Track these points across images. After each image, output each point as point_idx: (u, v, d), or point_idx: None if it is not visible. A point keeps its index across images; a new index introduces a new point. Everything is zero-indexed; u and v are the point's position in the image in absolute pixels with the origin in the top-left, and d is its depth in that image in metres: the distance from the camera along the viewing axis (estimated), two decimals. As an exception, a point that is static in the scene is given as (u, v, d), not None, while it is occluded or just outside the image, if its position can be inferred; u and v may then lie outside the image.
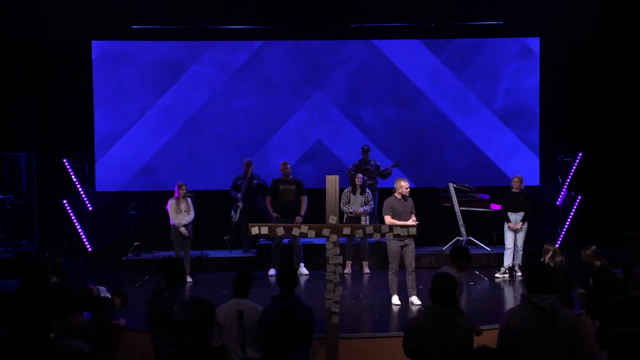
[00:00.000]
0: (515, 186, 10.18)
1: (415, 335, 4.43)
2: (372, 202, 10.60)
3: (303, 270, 10.46)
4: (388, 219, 8.55)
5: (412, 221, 8.49)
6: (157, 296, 5.60)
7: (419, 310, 8.25)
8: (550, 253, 7.25)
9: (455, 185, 11.53)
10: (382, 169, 11.36)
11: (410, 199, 8.82)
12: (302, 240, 10.37)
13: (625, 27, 12.29)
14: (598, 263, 6.86)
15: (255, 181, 11.13)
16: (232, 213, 11.23)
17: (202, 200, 11.22)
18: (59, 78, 12.43)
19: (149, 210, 11.83)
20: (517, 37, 12.45)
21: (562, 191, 11.93)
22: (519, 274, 9.99)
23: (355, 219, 10.42)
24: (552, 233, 11.89)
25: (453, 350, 4.32)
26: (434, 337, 4.35)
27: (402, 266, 8.56)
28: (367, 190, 10.69)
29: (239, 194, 11.17)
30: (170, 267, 5.81)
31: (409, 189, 8.76)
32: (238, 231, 11.47)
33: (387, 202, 8.74)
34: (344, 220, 10.41)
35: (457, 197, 11.46)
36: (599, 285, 6.71)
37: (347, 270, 10.61)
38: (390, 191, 9.04)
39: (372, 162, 11.36)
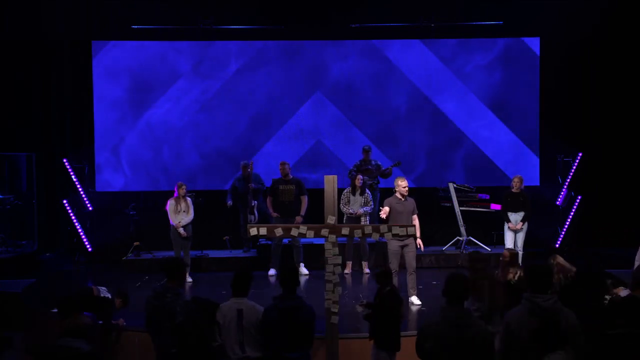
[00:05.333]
0: (515, 186, 10.18)
1: (430, 336, 4.39)
2: (371, 203, 10.59)
3: (303, 270, 10.46)
4: (383, 212, 8.54)
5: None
6: (160, 297, 5.59)
7: (421, 310, 8.27)
8: (517, 271, 6.58)
9: (455, 185, 11.53)
10: (382, 168, 11.35)
11: (411, 199, 8.81)
12: (302, 240, 10.36)
13: (625, 27, 12.30)
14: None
15: (253, 185, 11.11)
16: (251, 217, 11.15)
17: (202, 200, 11.23)
18: (59, 78, 12.45)
19: (149, 210, 11.83)
20: (517, 37, 12.46)
21: (562, 191, 11.93)
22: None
23: (355, 219, 10.41)
24: (552, 233, 11.90)
25: (468, 351, 4.29)
26: (448, 337, 4.32)
27: (402, 266, 8.55)
28: (367, 190, 10.68)
29: (230, 201, 11.16)
30: (174, 268, 5.80)
31: (407, 188, 8.75)
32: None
33: (387, 201, 8.75)
34: (344, 221, 10.40)
35: (457, 197, 11.46)
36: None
37: (347, 270, 10.61)
38: (392, 191, 9.03)
39: (373, 162, 11.36)
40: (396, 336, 5.98)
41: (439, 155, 12.49)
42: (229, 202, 11.22)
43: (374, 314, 6.00)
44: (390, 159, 11.94)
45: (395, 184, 8.78)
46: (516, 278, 6.47)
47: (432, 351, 4.38)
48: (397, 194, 8.72)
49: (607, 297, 7.22)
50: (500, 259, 7.04)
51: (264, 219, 10.99)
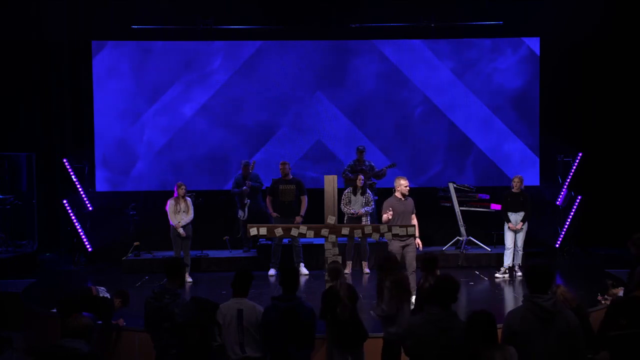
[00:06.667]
0: (516, 186, 10.16)
1: (413, 336, 4.43)
2: (372, 203, 10.59)
3: (303, 270, 10.45)
4: (385, 217, 8.55)
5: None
6: (159, 298, 5.59)
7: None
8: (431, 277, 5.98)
9: (455, 185, 11.52)
10: (377, 169, 11.32)
11: (410, 199, 8.81)
12: (302, 240, 10.36)
13: (624, 27, 12.30)
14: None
15: (249, 183, 11.11)
16: (240, 213, 11.20)
17: (202, 200, 11.23)
18: (59, 78, 12.45)
19: (149, 210, 11.83)
20: (517, 37, 12.46)
21: (562, 191, 11.92)
22: (519, 274, 9.98)
23: (356, 219, 10.41)
24: (552, 233, 11.89)
25: (450, 352, 4.31)
26: (432, 339, 4.34)
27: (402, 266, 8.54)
28: (368, 190, 10.68)
29: (244, 187, 11.13)
30: (174, 268, 5.79)
31: (408, 188, 8.75)
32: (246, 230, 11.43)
33: (387, 201, 8.74)
34: (345, 221, 10.39)
35: (457, 197, 11.45)
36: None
37: (347, 270, 10.60)
38: (389, 191, 9.03)
39: (367, 163, 11.31)
40: (352, 331, 5.72)
41: (439, 155, 12.50)
42: (245, 188, 11.18)
43: (321, 313, 5.78)
44: (390, 160, 11.94)
45: (396, 183, 8.77)
46: (427, 285, 5.97)
47: (414, 351, 4.39)
48: (398, 194, 8.72)
49: (608, 297, 7.22)
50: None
51: (260, 217, 10.98)
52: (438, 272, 6.05)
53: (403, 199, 8.70)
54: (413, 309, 6.00)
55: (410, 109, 12.51)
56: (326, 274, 6.15)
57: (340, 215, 9.52)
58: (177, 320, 5.37)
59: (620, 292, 6.90)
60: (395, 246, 8.41)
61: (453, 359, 4.29)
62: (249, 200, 11.19)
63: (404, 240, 8.31)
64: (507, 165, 12.46)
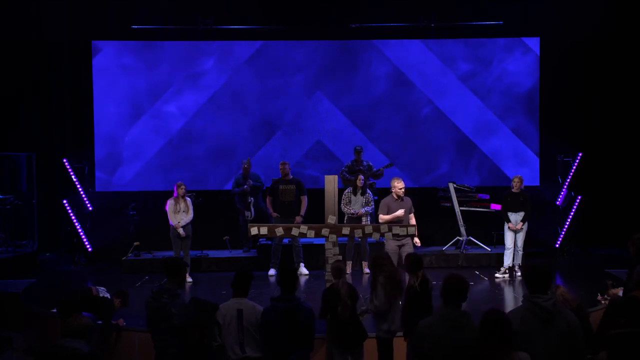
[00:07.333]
0: (516, 186, 10.16)
1: (426, 337, 4.38)
2: (372, 203, 10.59)
3: (303, 270, 10.46)
4: (382, 217, 8.56)
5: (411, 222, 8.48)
6: (157, 298, 5.59)
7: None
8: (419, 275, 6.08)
9: (455, 185, 11.51)
10: (374, 169, 11.31)
11: (408, 199, 8.83)
12: (302, 240, 10.36)
13: (624, 27, 12.30)
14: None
15: (250, 182, 11.11)
16: (247, 213, 11.20)
17: (202, 200, 11.23)
18: (59, 78, 12.46)
19: (149, 210, 11.83)
20: (517, 37, 12.46)
21: (562, 191, 11.92)
22: (519, 274, 9.98)
23: (356, 219, 10.42)
24: (552, 233, 11.89)
25: (463, 352, 4.28)
26: (444, 338, 4.31)
27: (400, 265, 8.54)
28: (368, 190, 10.68)
29: (245, 186, 11.11)
30: (174, 268, 5.79)
31: (403, 190, 8.74)
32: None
33: (384, 201, 8.79)
34: (345, 221, 10.39)
35: (457, 197, 11.45)
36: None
37: (348, 270, 10.59)
38: (389, 191, 9.05)
39: (365, 163, 11.29)
40: (352, 331, 5.75)
41: (439, 155, 12.49)
42: (246, 187, 11.17)
43: (321, 312, 5.80)
44: (390, 159, 11.93)
45: (391, 184, 8.79)
46: (417, 283, 6.01)
47: (430, 352, 4.37)
48: (394, 194, 8.74)
49: (607, 297, 7.22)
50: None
51: (260, 217, 10.98)
52: (421, 273, 6.06)
53: (399, 199, 8.72)
54: (402, 307, 6.02)
55: (409, 109, 12.50)
56: (328, 272, 6.14)
57: (341, 215, 9.52)
58: (175, 320, 5.36)
59: (620, 292, 6.91)
60: (391, 246, 8.41)
61: (466, 358, 4.26)
62: (252, 199, 11.18)
63: (400, 240, 8.31)
64: (507, 165, 12.46)
